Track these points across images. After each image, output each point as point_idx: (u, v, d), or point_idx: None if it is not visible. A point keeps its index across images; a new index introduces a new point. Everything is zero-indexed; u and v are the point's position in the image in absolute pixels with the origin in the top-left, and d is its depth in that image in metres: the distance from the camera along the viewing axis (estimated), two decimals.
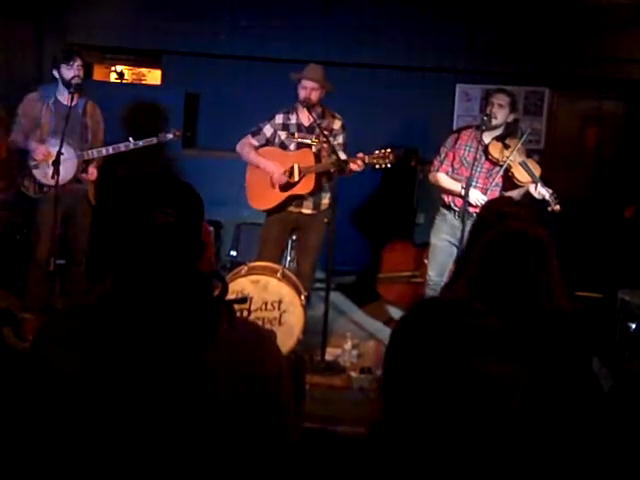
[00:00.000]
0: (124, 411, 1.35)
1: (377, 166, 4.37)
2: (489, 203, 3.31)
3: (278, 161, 4.63)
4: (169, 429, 1.36)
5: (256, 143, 4.75)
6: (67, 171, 4.55)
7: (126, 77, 7.68)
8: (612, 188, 6.47)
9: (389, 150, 4.32)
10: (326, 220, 4.56)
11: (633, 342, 4.34)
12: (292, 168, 4.58)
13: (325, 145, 4.47)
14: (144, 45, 6.83)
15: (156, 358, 1.37)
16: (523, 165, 4.42)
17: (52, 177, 4.35)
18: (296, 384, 3.15)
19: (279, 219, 4.75)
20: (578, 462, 1.52)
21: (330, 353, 4.48)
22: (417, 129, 6.34)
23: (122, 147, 4.74)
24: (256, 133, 4.75)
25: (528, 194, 4.43)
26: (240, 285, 4.18)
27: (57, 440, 1.36)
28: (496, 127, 4.52)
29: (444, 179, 4.66)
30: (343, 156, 4.43)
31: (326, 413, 3.65)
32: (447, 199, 4.69)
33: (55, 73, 4.70)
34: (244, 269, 4.38)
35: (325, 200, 4.71)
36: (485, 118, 4.48)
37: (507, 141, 4.50)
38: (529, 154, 4.81)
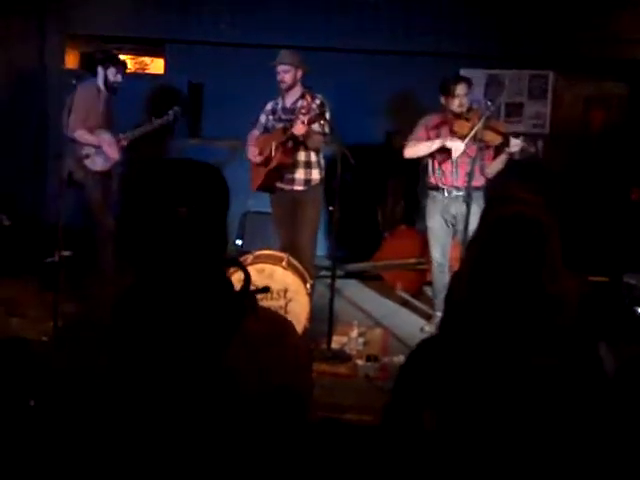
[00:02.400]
0: (148, 407, 1.34)
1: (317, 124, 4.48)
2: (494, 185, 3.33)
3: (262, 145, 4.85)
4: (191, 425, 1.35)
5: (257, 132, 5.00)
6: (113, 155, 5.07)
7: (129, 66, 7.65)
8: (618, 171, 6.43)
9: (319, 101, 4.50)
10: (331, 208, 4.62)
11: (639, 326, 4.34)
12: (270, 147, 4.75)
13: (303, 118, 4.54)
14: (147, 34, 6.80)
15: (180, 355, 1.35)
16: (489, 128, 4.50)
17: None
18: None
19: (276, 199, 4.99)
20: (583, 448, 1.53)
21: (336, 341, 4.49)
22: (418, 114, 6.30)
23: (148, 127, 5.13)
24: (255, 124, 5.02)
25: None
26: None
27: (77, 438, 1.36)
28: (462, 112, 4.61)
29: (416, 144, 4.72)
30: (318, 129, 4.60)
31: (332, 401, 3.66)
32: (433, 180, 4.77)
33: (100, 70, 5.14)
34: (249, 258, 4.40)
35: (315, 176, 4.85)
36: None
37: (467, 115, 4.60)
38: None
